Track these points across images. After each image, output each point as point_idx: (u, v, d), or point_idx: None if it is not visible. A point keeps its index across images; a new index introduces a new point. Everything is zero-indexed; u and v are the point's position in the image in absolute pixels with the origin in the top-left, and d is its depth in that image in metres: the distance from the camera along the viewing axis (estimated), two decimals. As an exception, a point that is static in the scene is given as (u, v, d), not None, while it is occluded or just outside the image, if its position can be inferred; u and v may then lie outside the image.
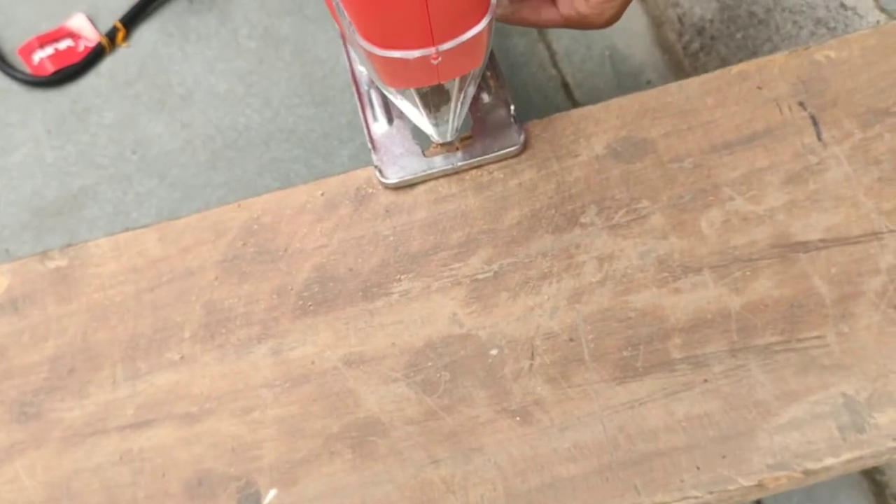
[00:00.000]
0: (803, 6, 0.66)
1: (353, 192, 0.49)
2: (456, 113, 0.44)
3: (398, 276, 0.47)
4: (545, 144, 0.49)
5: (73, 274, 0.48)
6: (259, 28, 0.88)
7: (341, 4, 0.36)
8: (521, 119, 0.49)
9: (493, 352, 0.45)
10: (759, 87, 0.49)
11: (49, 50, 0.86)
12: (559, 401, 0.43)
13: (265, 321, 0.46)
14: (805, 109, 0.49)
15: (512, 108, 0.49)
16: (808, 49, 0.50)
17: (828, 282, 0.45)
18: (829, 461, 0.41)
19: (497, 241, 0.47)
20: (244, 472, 0.43)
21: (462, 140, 0.48)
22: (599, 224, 0.47)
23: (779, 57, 0.50)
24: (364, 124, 0.50)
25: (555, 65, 0.88)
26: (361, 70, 0.51)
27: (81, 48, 0.86)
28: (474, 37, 0.36)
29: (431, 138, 0.47)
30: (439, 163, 0.48)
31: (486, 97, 0.50)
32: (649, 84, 0.88)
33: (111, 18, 0.88)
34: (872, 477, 0.68)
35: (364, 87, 0.51)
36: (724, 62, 0.80)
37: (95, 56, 0.86)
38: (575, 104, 0.87)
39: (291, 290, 0.47)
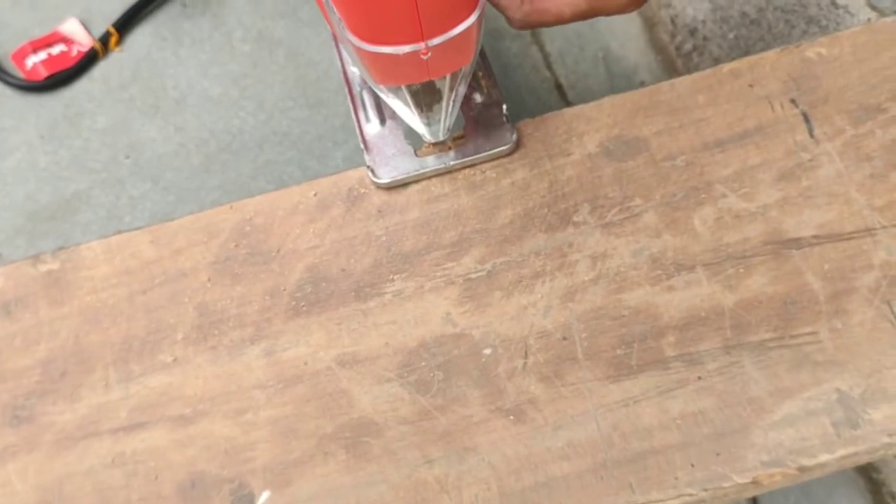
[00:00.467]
0: (795, 5, 0.66)
1: (345, 193, 0.49)
2: (448, 112, 0.44)
3: (391, 276, 0.47)
4: (537, 143, 0.49)
5: (65, 277, 0.48)
6: (253, 31, 0.88)
7: (331, 1, 0.36)
8: (515, 120, 0.49)
9: (487, 351, 0.45)
10: (751, 85, 0.49)
11: (42, 55, 0.86)
12: (553, 399, 0.43)
13: (258, 322, 0.46)
14: (797, 107, 0.49)
15: (504, 107, 0.49)
16: (799, 47, 0.50)
17: (821, 278, 0.45)
18: (823, 457, 0.41)
19: (490, 241, 0.47)
20: (237, 474, 0.43)
21: (454, 139, 0.48)
22: (592, 222, 0.47)
23: (770, 55, 0.50)
24: (356, 125, 0.50)
25: (548, 66, 0.88)
26: (354, 71, 0.51)
27: (74, 53, 0.86)
28: (464, 32, 0.36)
29: (424, 138, 0.47)
30: (432, 162, 0.48)
31: (477, 97, 0.50)
32: (643, 85, 0.88)
33: (104, 23, 0.88)
34: (869, 475, 0.68)
35: (356, 89, 0.51)
36: (717, 62, 0.80)
37: (89, 61, 0.86)
38: (568, 105, 0.87)
39: (284, 290, 0.47)
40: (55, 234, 0.79)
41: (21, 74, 0.85)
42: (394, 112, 0.48)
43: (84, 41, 0.87)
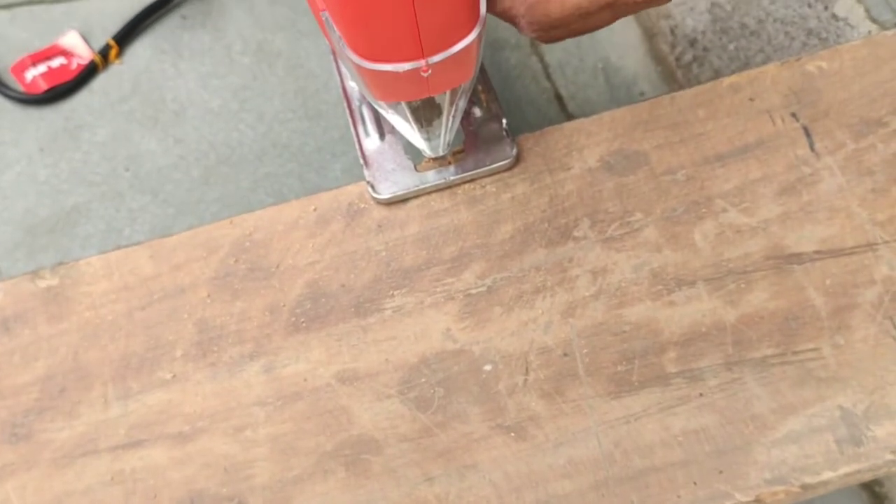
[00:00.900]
0: (795, 17, 0.66)
1: (345, 208, 0.48)
2: (447, 127, 0.44)
3: (391, 292, 0.46)
4: (538, 158, 0.49)
5: (64, 293, 0.48)
6: (252, 44, 0.88)
7: (331, 19, 0.36)
8: (515, 131, 0.49)
9: (487, 367, 0.44)
10: (752, 99, 0.49)
11: (42, 68, 0.85)
12: (554, 416, 0.43)
13: (257, 338, 0.46)
14: (797, 120, 0.48)
15: (504, 121, 0.49)
16: (799, 60, 0.50)
17: (823, 293, 0.45)
18: (826, 475, 0.41)
19: (490, 256, 0.47)
20: (237, 492, 0.43)
21: (454, 154, 0.48)
22: (593, 237, 0.47)
23: (770, 68, 0.50)
24: (356, 140, 0.49)
25: (548, 77, 0.88)
26: (353, 86, 0.51)
27: (74, 66, 0.86)
28: (464, 49, 0.36)
29: (423, 153, 0.46)
30: (432, 177, 0.48)
31: (477, 111, 0.49)
32: (642, 95, 0.88)
33: (104, 36, 0.88)
34: (871, 489, 0.67)
35: (356, 104, 0.51)
36: (717, 73, 0.80)
37: (88, 73, 0.86)
38: (568, 116, 0.87)
39: (284, 306, 0.46)
40: (54, 248, 0.78)
41: (20, 87, 0.85)
42: (393, 127, 0.48)
43: (84, 54, 0.87)
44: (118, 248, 0.49)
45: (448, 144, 0.46)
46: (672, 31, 0.86)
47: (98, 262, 0.48)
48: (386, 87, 0.39)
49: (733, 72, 0.50)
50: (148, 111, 0.84)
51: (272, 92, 0.85)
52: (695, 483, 0.41)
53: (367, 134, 0.49)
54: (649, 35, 0.90)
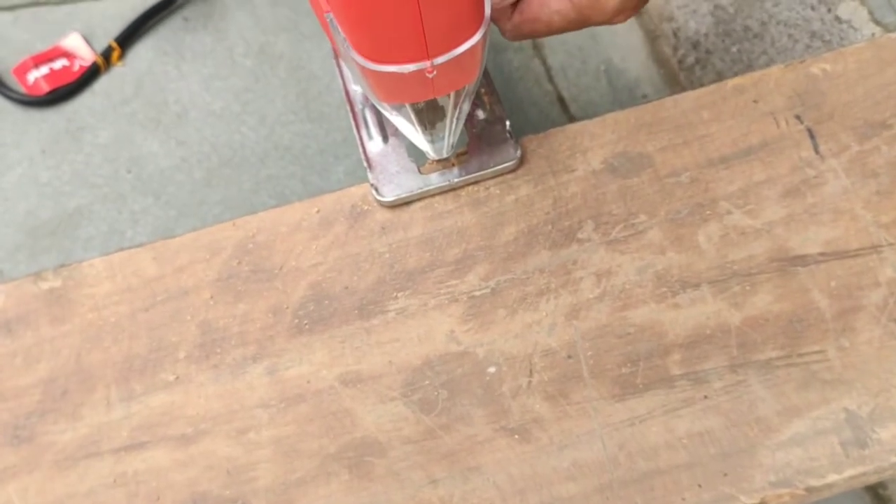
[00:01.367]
0: (798, 19, 0.66)
1: (348, 210, 0.48)
2: (451, 129, 0.44)
3: (394, 294, 0.46)
4: (541, 160, 0.49)
5: (66, 295, 0.48)
6: (255, 46, 0.88)
7: (335, 20, 0.36)
8: (518, 134, 0.49)
9: (491, 369, 0.44)
10: (755, 101, 0.49)
11: (44, 69, 0.85)
12: (558, 418, 0.43)
13: (260, 340, 0.46)
14: (802, 123, 0.48)
15: (507, 123, 0.49)
16: (803, 62, 0.50)
17: (827, 296, 0.44)
18: (831, 478, 0.41)
19: (494, 258, 0.47)
20: (240, 494, 0.43)
21: (458, 156, 0.48)
22: (597, 239, 0.47)
23: (774, 70, 0.50)
24: (359, 143, 0.49)
25: (550, 79, 0.88)
26: (356, 89, 0.51)
27: (76, 67, 0.86)
28: (469, 49, 0.36)
29: (427, 155, 0.46)
30: (435, 180, 0.48)
31: (480, 113, 0.49)
32: (645, 98, 0.88)
33: (106, 38, 0.88)
34: (875, 491, 0.67)
35: (359, 107, 0.51)
36: (720, 76, 0.80)
37: (90, 75, 0.86)
38: (571, 118, 0.87)
39: (287, 308, 0.46)
40: (56, 250, 0.78)
41: (23, 89, 0.85)
42: (396, 129, 0.48)
43: (86, 56, 0.87)
44: (121, 249, 0.49)
45: (452, 147, 0.46)
46: (675, 34, 0.86)
47: (101, 263, 0.48)
48: (390, 88, 0.39)
49: (736, 74, 0.50)
50: (150, 113, 0.84)
51: (274, 94, 0.85)
52: (699, 486, 0.41)
53: (370, 137, 0.49)
54: (652, 37, 0.90)
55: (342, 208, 0.48)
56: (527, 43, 0.91)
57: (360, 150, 0.49)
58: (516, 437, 0.43)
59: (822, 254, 0.45)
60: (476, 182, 0.48)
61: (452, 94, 0.41)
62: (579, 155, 0.49)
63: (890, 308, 0.44)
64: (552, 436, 0.43)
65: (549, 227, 0.47)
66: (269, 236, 0.48)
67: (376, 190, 0.48)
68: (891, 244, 0.45)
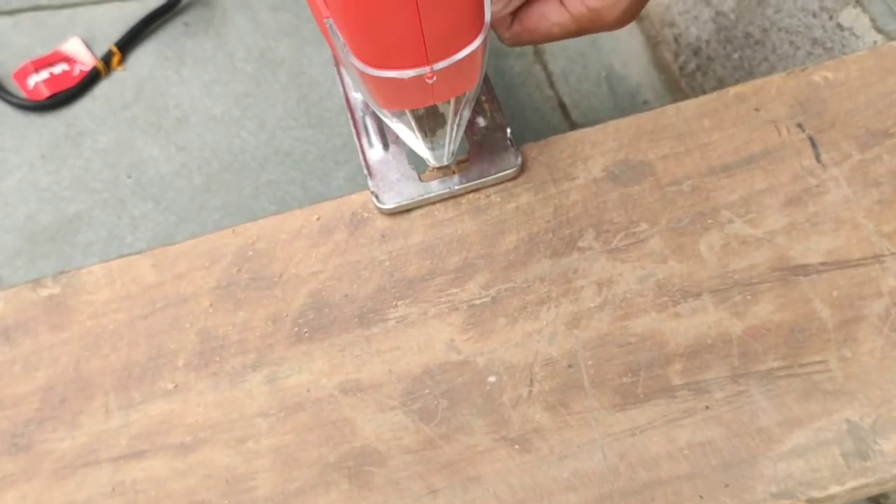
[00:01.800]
0: (800, 27, 0.66)
1: (348, 217, 0.48)
2: (452, 136, 0.44)
3: (394, 302, 0.46)
4: (542, 168, 0.49)
5: (65, 302, 0.48)
6: (255, 51, 0.88)
7: (334, 25, 0.36)
8: (519, 139, 0.49)
9: (492, 379, 0.44)
10: (757, 109, 0.49)
11: (44, 74, 0.85)
12: (558, 428, 0.43)
13: (260, 348, 0.46)
14: (803, 131, 0.48)
15: (508, 130, 0.49)
16: (805, 70, 0.50)
17: (829, 305, 0.44)
18: (833, 489, 0.41)
19: (494, 266, 0.46)
20: (238, 504, 0.43)
21: (458, 164, 0.48)
22: (598, 248, 0.46)
23: (776, 78, 0.50)
24: (359, 150, 0.49)
25: (551, 85, 0.88)
26: (356, 96, 0.51)
27: (77, 72, 0.86)
28: (469, 55, 0.36)
29: (428, 162, 0.46)
30: (436, 187, 0.47)
31: (481, 121, 0.49)
32: (646, 104, 0.88)
33: (107, 42, 0.88)
34: (878, 502, 0.67)
35: (359, 114, 0.51)
36: (721, 82, 0.80)
37: (91, 80, 0.86)
38: (572, 125, 0.87)
39: (287, 316, 0.46)
40: (56, 255, 0.78)
41: (23, 94, 0.85)
42: (397, 137, 0.48)
43: (86, 60, 0.87)
44: (120, 256, 0.48)
45: (452, 154, 0.45)
46: (676, 40, 0.86)
47: (100, 270, 0.48)
48: (390, 94, 0.39)
49: (737, 81, 0.50)
50: (150, 118, 0.84)
51: (275, 99, 0.85)
52: (701, 496, 0.41)
53: (370, 144, 0.49)
54: (653, 44, 0.90)
55: (342, 216, 0.48)
56: (528, 49, 0.91)
57: (361, 157, 0.49)
58: (516, 446, 0.43)
59: (823, 263, 0.45)
60: (477, 190, 0.48)
61: (453, 101, 0.41)
62: (580, 163, 0.49)
63: (892, 318, 0.44)
64: (552, 446, 0.42)
65: (550, 235, 0.47)
66: (268, 244, 0.48)
67: (377, 197, 0.47)
68: (893, 254, 0.45)
